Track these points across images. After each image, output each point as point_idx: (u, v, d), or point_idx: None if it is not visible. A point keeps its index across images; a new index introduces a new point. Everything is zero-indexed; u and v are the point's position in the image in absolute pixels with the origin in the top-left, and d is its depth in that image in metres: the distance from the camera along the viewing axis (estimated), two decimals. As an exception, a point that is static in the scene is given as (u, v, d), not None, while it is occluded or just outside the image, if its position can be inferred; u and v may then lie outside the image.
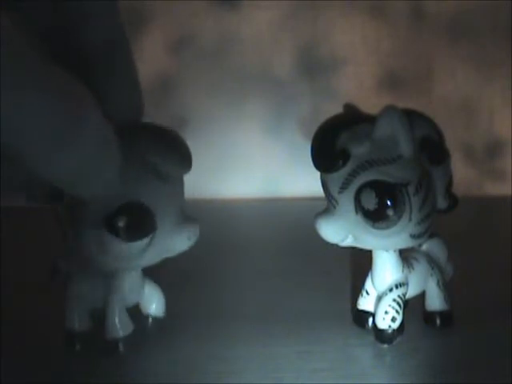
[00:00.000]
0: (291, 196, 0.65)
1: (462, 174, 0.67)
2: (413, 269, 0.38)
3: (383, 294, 0.37)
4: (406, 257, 0.38)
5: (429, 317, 0.40)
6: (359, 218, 0.34)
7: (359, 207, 0.34)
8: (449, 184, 0.36)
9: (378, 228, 0.34)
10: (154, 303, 0.39)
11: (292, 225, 0.58)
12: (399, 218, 0.34)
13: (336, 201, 0.35)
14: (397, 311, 0.37)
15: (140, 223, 0.33)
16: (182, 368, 0.37)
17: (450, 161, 0.36)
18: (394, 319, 0.37)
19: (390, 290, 0.37)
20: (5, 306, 0.43)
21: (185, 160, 0.36)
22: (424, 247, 0.40)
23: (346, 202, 0.35)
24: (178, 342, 0.39)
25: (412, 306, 0.40)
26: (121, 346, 0.37)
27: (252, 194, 0.65)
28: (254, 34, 0.65)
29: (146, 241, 0.34)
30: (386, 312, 0.37)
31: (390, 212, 0.33)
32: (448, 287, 0.40)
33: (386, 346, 0.37)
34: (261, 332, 0.40)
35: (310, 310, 0.43)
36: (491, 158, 0.67)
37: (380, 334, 0.37)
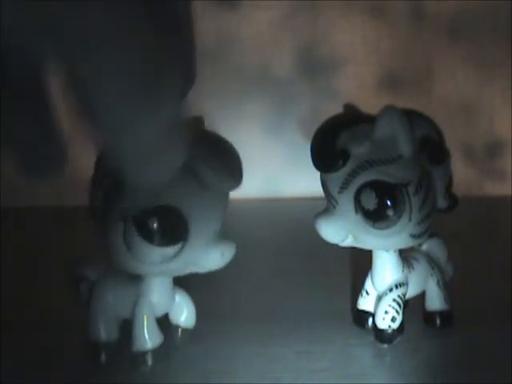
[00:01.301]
0: (291, 196, 0.65)
1: (462, 174, 0.67)
2: (413, 269, 0.38)
3: (383, 293, 0.37)
4: (406, 257, 0.38)
5: (429, 317, 0.40)
6: (359, 218, 0.34)
7: (359, 207, 0.34)
8: (449, 184, 0.36)
9: (378, 228, 0.34)
10: (183, 314, 0.38)
11: (292, 225, 0.58)
12: (399, 217, 0.34)
13: (336, 201, 0.35)
14: (397, 311, 0.37)
15: (172, 228, 0.32)
16: (181, 367, 0.37)
17: (449, 161, 0.36)
18: (393, 319, 0.37)
19: (390, 289, 0.37)
20: (4, 306, 0.43)
21: (232, 176, 0.33)
22: (424, 247, 0.40)
23: (346, 202, 0.35)
24: (176, 341, 0.39)
25: (412, 306, 0.40)
26: (149, 359, 0.35)
27: (252, 194, 0.65)
28: (254, 34, 0.65)
29: (175, 248, 0.32)
30: (386, 312, 0.37)
31: (390, 212, 0.33)
32: (448, 287, 0.40)
33: (385, 346, 0.37)
34: (261, 332, 0.40)
35: (310, 309, 0.43)
36: (491, 158, 0.67)
37: (380, 334, 0.37)
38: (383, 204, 0.33)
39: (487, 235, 0.56)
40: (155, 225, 0.31)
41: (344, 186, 0.34)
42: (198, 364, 0.37)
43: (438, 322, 0.40)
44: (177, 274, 0.36)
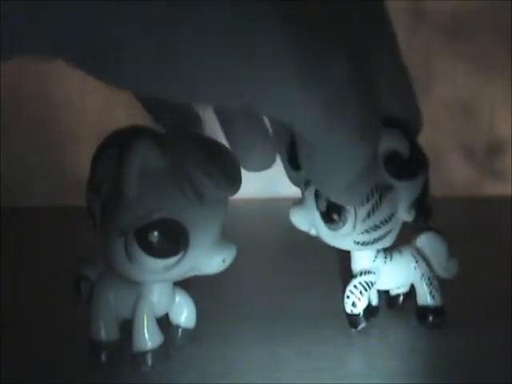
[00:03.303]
0: (291, 196, 0.65)
1: (462, 174, 0.67)
2: (390, 260, 0.39)
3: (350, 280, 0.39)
4: (390, 248, 0.39)
5: (418, 312, 0.40)
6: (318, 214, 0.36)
7: (317, 205, 0.35)
8: (421, 196, 0.35)
9: (328, 228, 0.36)
10: (184, 314, 0.38)
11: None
12: (343, 224, 0.35)
13: (304, 195, 0.37)
14: (358, 297, 0.38)
15: (172, 240, 0.32)
16: (182, 367, 0.37)
17: (422, 174, 0.35)
18: (354, 304, 0.38)
19: (355, 276, 0.39)
20: (4, 306, 0.43)
21: (230, 183, 0.33)
22: (417, 241, 0.40)
23: (310, 197, 0.36)
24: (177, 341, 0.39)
25: (411, 307, 0.40)
26: (149, 359, 0.35)
27: (252, 193, 0.65)
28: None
29: (176, 258, 0.32)
30: (348, 297, 0.38)
31: (335, 217, 0.35)
32: (437, 283, 0.40)
33: (353, 330, 0.38)
34: (261, 332, 0.40)
35: (310, 309, 0.43)
36: (491, 158, 0.67)
37: (347, 319, 0.39)
38: (331, 207, 0.35)
39: (487, 235, 0.56)
40: (156, 238, 0.32)
41: (307, 183, 0.36)
42: (198, 364, 0.37)
43: (429, 318, 0.40)
44: (178, 279, 0.36)
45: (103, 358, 0.36)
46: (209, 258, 0.34)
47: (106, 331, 0.37)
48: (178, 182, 0.32)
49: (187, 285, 0.38)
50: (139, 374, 0.36)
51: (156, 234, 0.32)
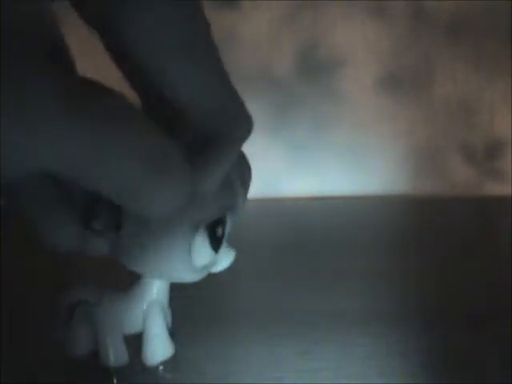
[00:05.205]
0: (291, 196, 0.65)
1: (462, 174, 0.67)
2: None
3: None
4: None
5: None
6: None
7: None
8: None
9: None
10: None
11: (292, 225, 0.58)
12: None
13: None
14: None
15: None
16: (182, 368, 0.37)
17: None
18: None
19: None
20: (4, 305, 0.43)
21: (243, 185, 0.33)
22: None
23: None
24: (177, 341, 0.39)
25: (411, 306, 0.40)
26: (161, 371, 0.35)
27: (252, 194, 0.65)
28: (253, 34, 0.65)
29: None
30: None
31: None
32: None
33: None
34: (261, 332, 0.40)
35: (310, 309, 0.43)
36: (491, 158, 0.67)
37: None
38: None
39: (487, 235, 0.56)
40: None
41: None
42: (198, 364, 0.37)
43: None
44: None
45: (115, 382, 0.36)
46: None
47: (115, 356, 0.35)
48: None
49: (187, 285, 0.38)
50: (139, 373, 0.36)
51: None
